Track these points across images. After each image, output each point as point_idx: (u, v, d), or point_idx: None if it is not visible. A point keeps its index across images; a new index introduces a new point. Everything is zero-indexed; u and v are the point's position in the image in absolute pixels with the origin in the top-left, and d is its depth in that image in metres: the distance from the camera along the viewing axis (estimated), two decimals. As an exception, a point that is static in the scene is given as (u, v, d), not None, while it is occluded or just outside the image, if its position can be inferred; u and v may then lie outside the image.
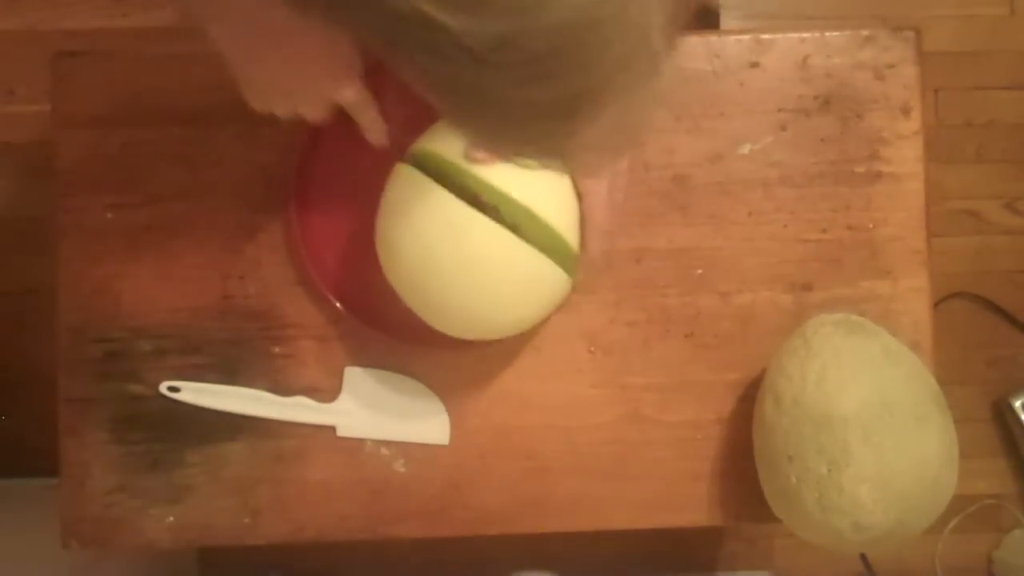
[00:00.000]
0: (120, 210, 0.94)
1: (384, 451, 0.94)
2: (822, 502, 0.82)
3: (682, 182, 0.96)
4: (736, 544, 1.65)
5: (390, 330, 0.90)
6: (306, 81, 0.73)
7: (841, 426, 0.82)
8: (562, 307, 0.93)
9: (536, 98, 0.42)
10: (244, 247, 0.94)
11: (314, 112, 0.76)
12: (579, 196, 0.81)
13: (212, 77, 0.93)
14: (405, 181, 0.80)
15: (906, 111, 0.97)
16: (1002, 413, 1.66)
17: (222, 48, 0.75)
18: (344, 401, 0.94)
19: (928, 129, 0.97)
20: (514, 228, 0.76)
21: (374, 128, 0.82)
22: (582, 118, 0.45)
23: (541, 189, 0.77)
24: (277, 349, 0.94)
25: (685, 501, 0.95)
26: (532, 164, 0.49)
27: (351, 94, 0.76)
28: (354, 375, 0.93)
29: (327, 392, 0.94)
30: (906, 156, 0.97)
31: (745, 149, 0.96)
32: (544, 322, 0.93)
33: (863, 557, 1.47)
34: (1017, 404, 1.63)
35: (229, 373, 0.94)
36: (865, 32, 0.97)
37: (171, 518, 0.94)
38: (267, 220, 0.94)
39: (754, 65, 0.96)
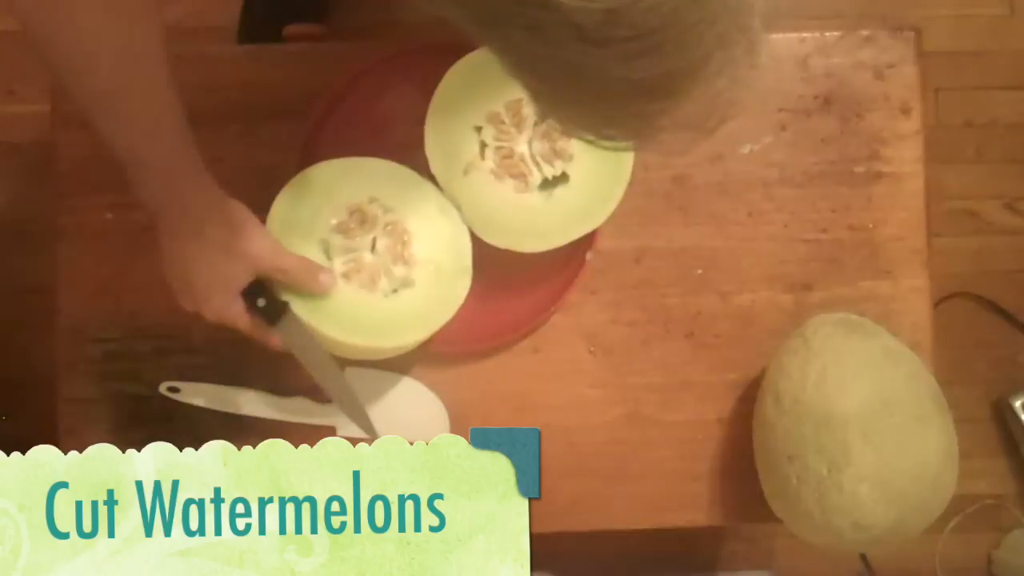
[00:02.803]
0: (120, 210, 0.94)
1: (384, 451, 0.93)
2: (822, 502, 0.82)
3: (682, 182, 0.96)
4: (736, 544, 1.64)
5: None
6: (229, 261, 0.78)
7: (841, 426, 0.82)
8: (562, 307, 0.93)
9: (636, 75, 0.42)
10: (244, 247, 0.94)
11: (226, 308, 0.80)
12: None
13: (212, 77, 0.93)
14: None
15: (906, 111, 0.97)
16: (1002, 413, 1.66)
17: (161, 243, 0.77)
18: (344, 401, 0.93)
19: (928, 129, 0.97)
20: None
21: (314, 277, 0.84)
22: (678, 96, 0.44)
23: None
24: (277, 349, 0.94)
25: (685, 501, 0.95)
26: (612, 145, 0.48)
27: (286, 262, 0.80)
28: (354, 375, 0.93)
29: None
30: (906, 156, 0.97)
31: (745, 149, 0.96)
32: (543, 323, 0.94)
33: (863, 557, 1.47)
34: (1017, 404, 1.63)
35: (229, 373, 0.93)
36: (865, 32, 0.97)
37: (171, 518, 0.93)
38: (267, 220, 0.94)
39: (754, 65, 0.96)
